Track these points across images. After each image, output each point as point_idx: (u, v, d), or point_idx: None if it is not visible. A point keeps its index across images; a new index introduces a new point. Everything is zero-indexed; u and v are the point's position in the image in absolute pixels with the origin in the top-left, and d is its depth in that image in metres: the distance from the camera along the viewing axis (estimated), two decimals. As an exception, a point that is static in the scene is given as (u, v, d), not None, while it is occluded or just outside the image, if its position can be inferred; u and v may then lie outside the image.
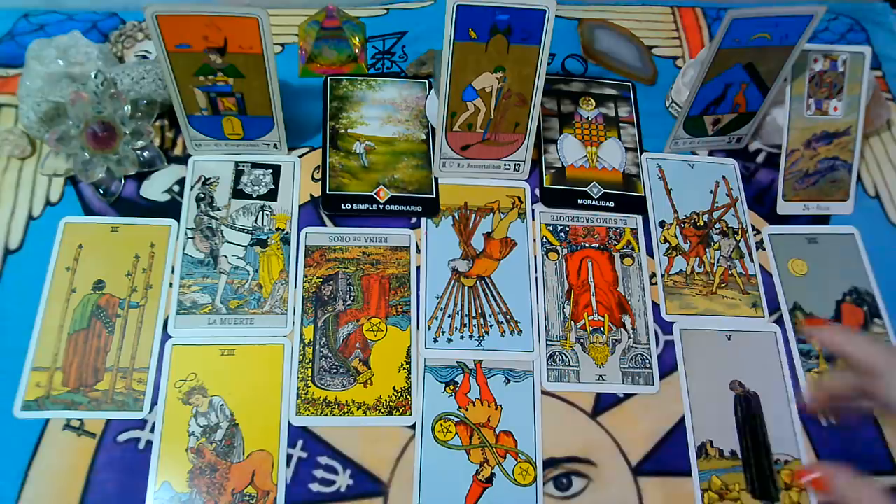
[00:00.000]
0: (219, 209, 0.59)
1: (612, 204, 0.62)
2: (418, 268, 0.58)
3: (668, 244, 0.61)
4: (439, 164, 0.61)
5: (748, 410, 0.54)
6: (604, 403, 0.54)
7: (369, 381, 0.53)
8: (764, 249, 0.62)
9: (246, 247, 0.58)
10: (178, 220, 0.58)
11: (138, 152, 0.59)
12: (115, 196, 0.59)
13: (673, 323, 0.58)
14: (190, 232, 0.58)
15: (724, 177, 0.65)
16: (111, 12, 0.69)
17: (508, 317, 0.57)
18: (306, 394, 0.52)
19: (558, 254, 0.60)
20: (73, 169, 0.58)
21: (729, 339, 0.57)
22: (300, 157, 0.62)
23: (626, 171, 0.64)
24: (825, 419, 0.54)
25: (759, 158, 0.67)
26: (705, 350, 0.56)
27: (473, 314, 0.56)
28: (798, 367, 0.57)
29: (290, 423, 0.51)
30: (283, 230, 0.59)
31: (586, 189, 0.62)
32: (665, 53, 0.73)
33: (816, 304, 0.59)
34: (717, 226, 0.62)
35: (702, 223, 0.62)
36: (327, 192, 0.60)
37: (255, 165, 0.61)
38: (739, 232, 0.62)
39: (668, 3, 0.76)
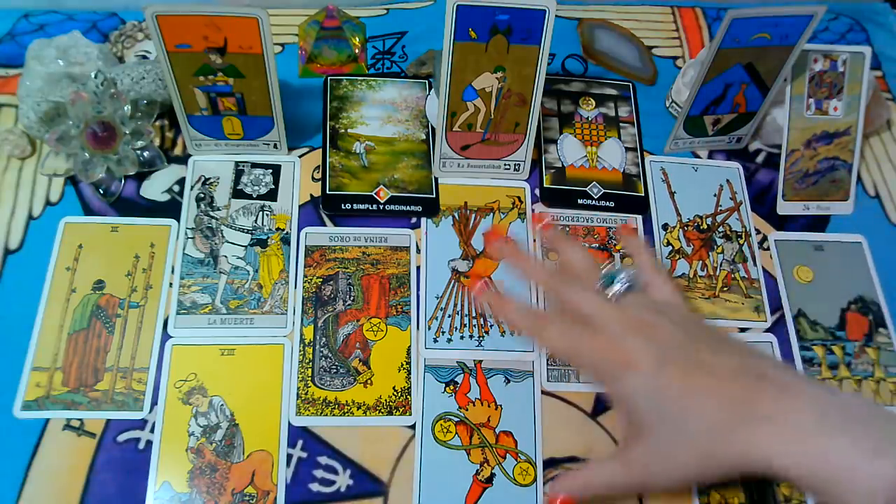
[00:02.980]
0: (219, 209, 0.59)
1: (612, 204, 0.62)
2: (418, 268, 0.58)
3: (671, 247, 0.61)
4: (439, 164, 0.61)
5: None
6: (604, 403, 0.54)
7: (369, 381, 0.53)
8: (766, 250, 0.62)
9: (246, 247, 0.58)
10: (178, 220, 0.58)
11: (138, 152, 0.59)
12: (115, 196, 0.59)
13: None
14: (190, 232, 0.58)
15: (727, 180, 0.65)
16: (111, 12, 0.69)
17: (508, 317, 0.56)
18: (306, 394, 0.52)
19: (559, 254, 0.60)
20: (73, 169, 0.58)
21: None
22: (300, 157, 0.62)
23: (626, 171, 0.64)
24: None
25: (759, 158, 0.67)
26: None
27: (473, 314, 0.56)
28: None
29: (290, 423, 0.51)
30: (283, 230, 0.59)
31: (586, 189, 0.62)
32: (665, 53, 0.73)
33: (821, 311, 0.59)
34: (721, 229, 0.62)
35: (705, 226, 0.62)
36: (327, 192, 0.60)
37: (255, 165, 0.61)
38: (743, 236, 0.62)
39: (668, 3, 0.76)
